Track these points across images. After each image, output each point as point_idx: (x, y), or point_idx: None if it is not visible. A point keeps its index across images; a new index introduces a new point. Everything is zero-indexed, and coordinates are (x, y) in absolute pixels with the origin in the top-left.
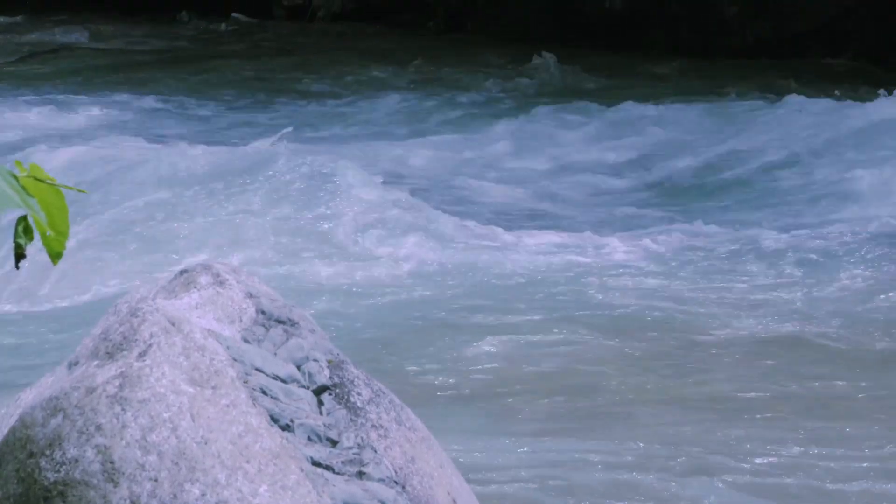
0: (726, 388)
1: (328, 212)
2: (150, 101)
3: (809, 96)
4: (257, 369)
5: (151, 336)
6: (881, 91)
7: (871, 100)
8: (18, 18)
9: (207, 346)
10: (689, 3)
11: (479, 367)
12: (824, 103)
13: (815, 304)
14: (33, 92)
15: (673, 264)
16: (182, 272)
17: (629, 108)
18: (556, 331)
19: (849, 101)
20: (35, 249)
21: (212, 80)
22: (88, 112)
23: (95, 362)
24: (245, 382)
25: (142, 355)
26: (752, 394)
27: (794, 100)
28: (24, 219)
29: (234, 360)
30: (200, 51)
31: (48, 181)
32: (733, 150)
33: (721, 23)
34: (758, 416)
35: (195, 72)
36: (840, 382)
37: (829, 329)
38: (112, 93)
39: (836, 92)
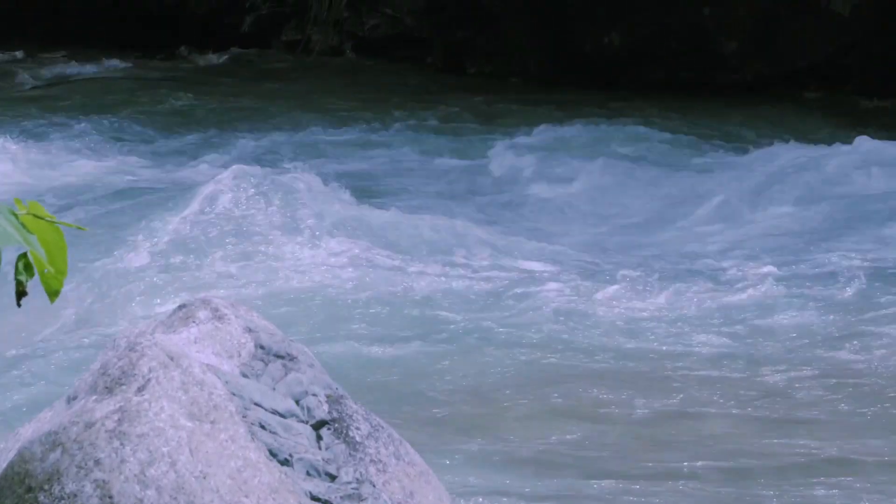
0: (724, 428)
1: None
2: (141, 131)
3: (777, 134)
4: (256, 404)
5: (150, 370)
6: (860, 137)
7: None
8: (18, 54)
9: (206, 380)
10: (687, 40)
11: (480, 398)
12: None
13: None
14: (29, 122)
15: (665, 295)
16: (181, 307)
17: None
18: (558, 358)
19: (820, 146)
20: (35, 285)
21: (191, 109)
22: (72, 143)
23: (94, 397)
24: (244, 417)
25: (140, 390)
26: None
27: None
28: (24, 256)
29: (233, 394)
30: (192, 82)
31: (47, 219)
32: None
33: (720, 59)
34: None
35: (181, 102)
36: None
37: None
38: (106, 123)
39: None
